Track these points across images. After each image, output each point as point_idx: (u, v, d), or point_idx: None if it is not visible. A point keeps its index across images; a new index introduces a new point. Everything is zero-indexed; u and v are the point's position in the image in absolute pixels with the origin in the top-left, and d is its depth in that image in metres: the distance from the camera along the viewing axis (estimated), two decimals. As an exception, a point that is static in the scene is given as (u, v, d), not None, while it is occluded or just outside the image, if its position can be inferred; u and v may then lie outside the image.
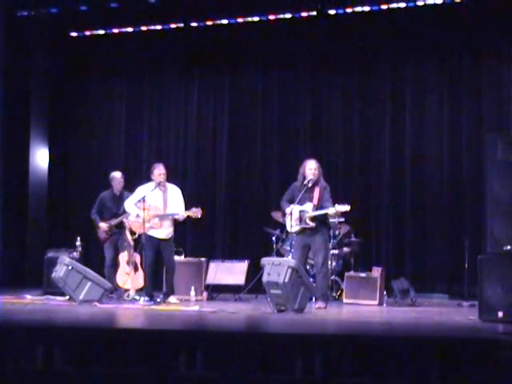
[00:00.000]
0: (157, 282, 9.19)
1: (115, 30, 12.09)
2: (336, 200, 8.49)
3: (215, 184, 11.91)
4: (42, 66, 12.36)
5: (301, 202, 8.47)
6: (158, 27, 11.91)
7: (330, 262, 9.23)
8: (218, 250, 11.60)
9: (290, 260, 8.32)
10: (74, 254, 10.02)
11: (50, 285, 9.60)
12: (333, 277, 9.61)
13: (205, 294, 9.61)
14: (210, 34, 11.75)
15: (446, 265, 10.57)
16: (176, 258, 9.80)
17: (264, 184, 11.67)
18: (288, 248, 9.75)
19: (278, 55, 11.68)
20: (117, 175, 9.92)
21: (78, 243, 10.16)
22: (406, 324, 6.96)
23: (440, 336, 5.81)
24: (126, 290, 9.38)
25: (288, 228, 8.63)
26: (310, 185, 8.52)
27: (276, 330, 6.43)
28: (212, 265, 9.93)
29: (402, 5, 10.72)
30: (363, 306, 8.93)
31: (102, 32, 12.15)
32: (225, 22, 11.62)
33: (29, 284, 11.06)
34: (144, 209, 8.69)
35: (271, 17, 11.40)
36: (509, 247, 6.68)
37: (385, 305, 9.07)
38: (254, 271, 9.04)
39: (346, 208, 8.32)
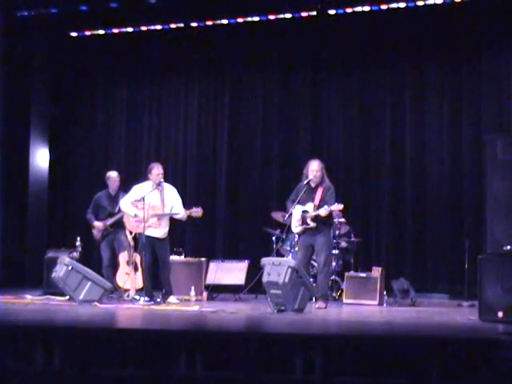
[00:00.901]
0: (157, 282, 9.19)
1: (115, 30, 12.10)
2: (337, 200, 8.48)
3: (215, 184, 11.91)
4: (42, 66, 12.37)
5: (303, 202, 8.48)
6: (158, 27, 11.92)
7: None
8: (217, 249, 11.60)
9: (290, 260, 8.32)
10: (74, 254, 10.02)
11: (50, 285, 9.59)
12: (333, 277, 9.61)
13: (205, 294, 9.61)
14: (210, 33, 11.76)
15: (446, 265, 10.58)
16: (176, 257, 9.83)
17: (264, 184, 11.68)
18: (288, 248, 9.76)
19: (278, 55, 11.69)
20: (113, 175, 9.91)
21: (77, 243, 10.15)
22: (406, 324, 6.96)
23: (440, 336, 5.81)
24: (126, 290, 9.38)
25: (292, 228, 8.64)
26: (312, 185, 8.53)
27: (276, 330, 6.42)
28: (212, 265, 9.93)
29: (402, 5, 10.73)
30: (363, 306, 8.93)
31: (102, 32, 12.17)
32: (225, 21, 11.62)
33: (29, 284, 11.06)
34: (143, 208, 8.69)
35: (271, 17, 11.40)
36: (509, 247, 6.68)
37: (385, 305, 9.07)
38: (254, 271, 9.03)
39: (339, 207, 8.31)
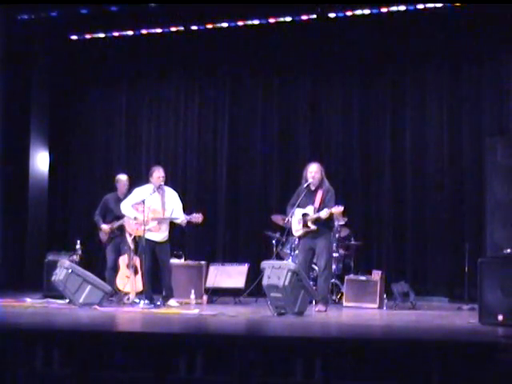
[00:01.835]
0: (157, 286, 9.18)
1: (115, 34, 12.11)
2: (337, 202, 8.48)
3: (215, 187, 11.90)
4: (43, 69, 12.37)
5: (303, 205, 8.48)
6: (159, 31, 11.92)
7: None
8: (217, 253, 11.59)
9: (290, 263, 8.31)
10: (74, 257, 10.03)
11: (50, 288, 9.58)
12: (333, 280, 9.59)
13: (205, 298, 9.60)
14: (210, 37, 11.77)
15: (446, 268, 10.56)
16: (176, 261, 9.82)
17: (264, 187, 11.67)
18: (288, 251, 9.75)
19: (278, 58, 11.69)
20: (122, 178, 9.89)
21: (77, 246, 10.16)
22: (406, 327, 6.95)
23: (440, 339, 5.81)
24: (126, 294, 9.37)
25: (293, 231, 8.64)
26: (312, 188, 8.53)
27: (276, 333, 6.42)
28: (212, 268, 9.93)
29: (403, 8, 10.73)
30: (363, 310, 8.92)
31: (102, 35, 12.17)
32: (225, 25, 11.63)
33: (29, 287, 11.03)
34: (143, 212, 8.69)
35: (271, 20, 11.41)
36: (509, 251, 6.69)
37: (385, 308, 9.06)
38: (254, 274, 9.03)
39: (340, 209, 8.31)
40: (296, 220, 8.52)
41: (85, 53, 12.32)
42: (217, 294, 9.77)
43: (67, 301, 8.85)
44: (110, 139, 12.57)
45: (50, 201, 12.46)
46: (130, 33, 12.03)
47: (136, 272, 9.38)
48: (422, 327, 6.98)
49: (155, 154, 12.21)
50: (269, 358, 5.15)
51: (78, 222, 12.24)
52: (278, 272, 7.64)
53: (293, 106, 11.64)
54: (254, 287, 8.97)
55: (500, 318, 6.54)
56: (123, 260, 9.53)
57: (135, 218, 8.90)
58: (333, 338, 5.85)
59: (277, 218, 9.96)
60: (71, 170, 12.67)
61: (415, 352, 5.04)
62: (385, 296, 9.21)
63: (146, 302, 8.71)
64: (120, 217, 9.59)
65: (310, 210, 8.45)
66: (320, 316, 7.96)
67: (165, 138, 12.31)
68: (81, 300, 8.54)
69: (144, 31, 11.96)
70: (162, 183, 8.99)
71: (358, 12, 10.97)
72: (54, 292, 9.41)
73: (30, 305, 8.85)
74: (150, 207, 8.83)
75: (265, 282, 7.76)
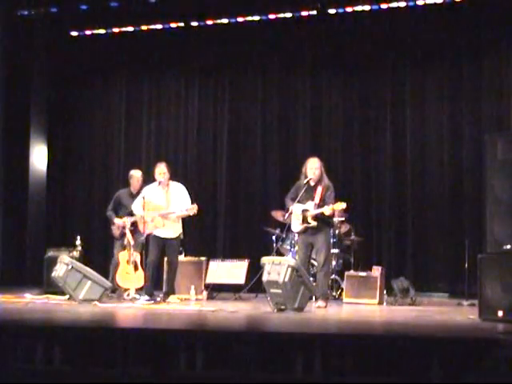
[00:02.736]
0: (158, 282, 9.18)
1: (115, 30, 12.11)
2: (337, 199, 8.48)
3: (215, 183, 11.92)
4: (42, 65, 12.37)
5: (303, 201, 8.47)
6: (159, 26, 11.92)
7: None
8: (218, 249, 11.60)
9: (290, 259, 8.31)
10: (74, 253, 10.03)
11: (50, 284, 9.58)
12: (333, 276, 9.61)
13: (205, 294, 9.61)
14: (210, 33, 11.76)
15: (446, 264, 10.58)
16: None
17: (264, 184, 11.68)
18: (288, 247, 9.76)
19: (278, 54, 11.70)
20: (136, 174, 9.83)
21: (77, 242, 10.15)
22: (406, 323, 6.95)
23: (440, 335, 5.81)
24: (126, 290, 9.37)
25: (292, 227, 8.64)
26: (312, 183, 8.53)
27: (276, 329, 6.42)
28: (212, 264, 9.93)
29: (403, 4, 10.73)
30: (363, 305, 8.93)
31: (102, 31, 12.17)
32: (225, 21, 11.62)
33: (29, 283, 11.06)
34: (144, 208, 8.69)
35: (271, 16, 11.41)
36: (509, 247, 6.67)
37: (385, 304, 9.06)
38: (254, 270, 9.03)
39: (342, 206, 8.31)
40: (296, 216, 8.52)
41: (85, 49, 12.31)
42: (217, 290, 9.77)
43: (67, 297, 8.85)
44: (109, 135, 12.56)
45: (49, 197, 12.46)
46: (131, 29, 12.03)
47: (136, 268, 9.36)
48: (421, 323, 6.98)
49: (155, 151, 12.20)
50: (269, 354, 5.15)
51: (78, 218, 12.25)
52: (277, 268, 7.64)
53: (292, 102, 11.63)
54: (254, 283, 8.97)
55: (500, 313, 6.52)
56: (123, 256, 9.52)
57: (141, 216, 8.89)
58: (332, 334, 5.85)
59: (276, 214, 9.96)
60: (71, 166, 12.66)
61: (415, 348, 5.04)
62: (385, 292, 9.22)
63: (146, 297, 8.71)
64: (132, 213, 9.55)
65: (310, 205, 8.44)
66: (320, 312, 7.96)
67: (165, 134, 12.31)
68: (81, 296, 8.54)
69: (144, 27, 11.95)
70: (163, 179, 8.98)
71: (359, 8, 10.97)
72: (54, 288, 9.40)
73: (29, 301, 8.85)
74: (151, 203, 8.82)
75: (265, 277, 7.76)
